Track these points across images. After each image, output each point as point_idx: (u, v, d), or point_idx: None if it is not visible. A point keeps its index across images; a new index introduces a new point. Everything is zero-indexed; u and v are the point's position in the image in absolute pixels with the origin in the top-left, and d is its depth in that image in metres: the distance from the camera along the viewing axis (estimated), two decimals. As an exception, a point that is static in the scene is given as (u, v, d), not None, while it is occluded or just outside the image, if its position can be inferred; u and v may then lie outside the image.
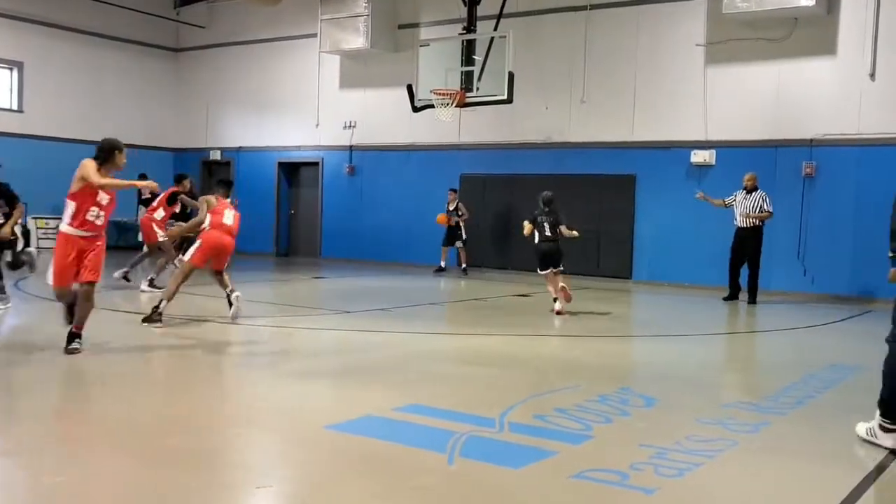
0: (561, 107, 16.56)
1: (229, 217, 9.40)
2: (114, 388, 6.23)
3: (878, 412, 5.14)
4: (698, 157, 15.06)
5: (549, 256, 10.94)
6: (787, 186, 14.37)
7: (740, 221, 13.16)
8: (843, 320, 11.53)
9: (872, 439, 5.09)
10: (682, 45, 15.33)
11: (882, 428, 5.05)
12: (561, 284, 10.87)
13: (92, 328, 7.56)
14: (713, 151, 15.01)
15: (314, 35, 19.08)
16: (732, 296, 13.31)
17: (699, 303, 13.26)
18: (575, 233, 11.10)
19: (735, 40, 14.67)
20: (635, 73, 15.82)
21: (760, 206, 13.08)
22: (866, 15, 13.70)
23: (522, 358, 7.99)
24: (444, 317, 11.48)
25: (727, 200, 13.36)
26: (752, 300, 13.08)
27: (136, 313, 9.59)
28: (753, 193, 13.18)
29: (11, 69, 19.45)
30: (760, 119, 14.61)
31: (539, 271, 11.15)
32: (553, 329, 10.02)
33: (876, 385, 7.10)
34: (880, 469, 4.63)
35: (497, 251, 17.29)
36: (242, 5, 20.17)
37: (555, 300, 10.98)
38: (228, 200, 9.64)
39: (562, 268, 11.06)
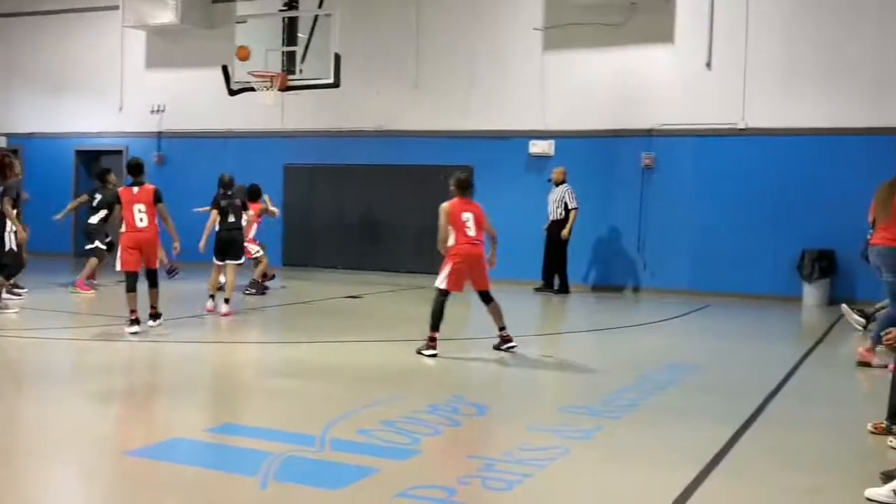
0: (393, 92, 16.69)
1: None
2: None
3: None
4: (537, 147, 15.57)
5: (229, 246, 11.11)
6: (627, 178, 15.10)
7: (549, 214, 14.39)
8: (681, 316, 12.25)
9: None
10: (519, 30, 15.78)
11: None
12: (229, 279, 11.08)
13: None
14: (552, 142, 15.54)
15: (116, 7, 18.33)
16: (545, 287, 14.54)
17: (537, 300, 13.73)
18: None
19: (573, 25, 15.24)
20: (471, 58, 16.16)
21: (564, 202, 14.21)
22: (702, 4, 14.56)
23: (349, 367, 8.03)
24: (264, 324, 11.35)
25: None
26: (561, 289, 14.43)
27: None
28: (559, 188, 14.31)
29: None
30: (599, 108, 15.26)
31: (215, 261, 11.23)
32: (384, 334, 10.11)
33: (711, 384, 7.63)
34: (707, 471, 4.96)
35: (325, 249, 17.24)
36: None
37: (212, 297, 11.07)
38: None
39: (241, 261, 11.41)
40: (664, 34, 14.85)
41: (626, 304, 13.76)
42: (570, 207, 14.28)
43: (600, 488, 4.75)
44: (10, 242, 10.47)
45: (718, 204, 14.56)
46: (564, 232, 14.26)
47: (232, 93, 14.57)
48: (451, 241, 8.80)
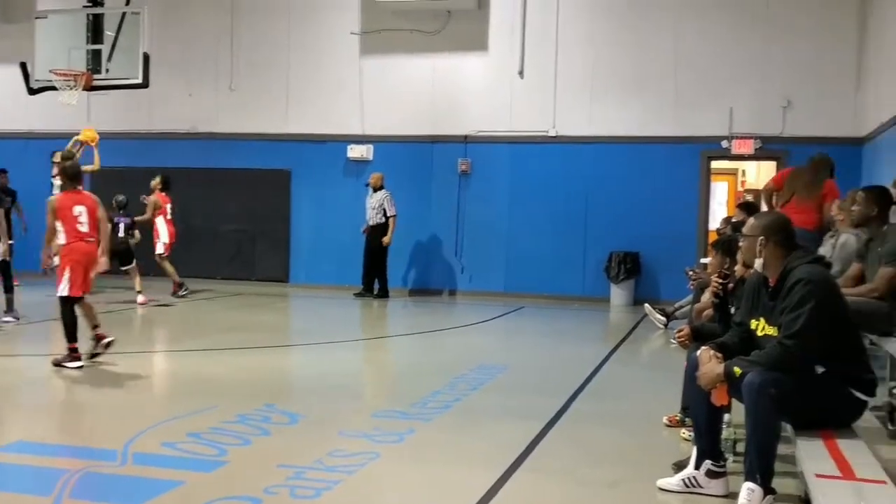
0: (207, 94, 16.31)
1: None
2: None
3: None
4: (355, 151, 15.60)
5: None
6: (444, 183, 15.38)
7: (367, 220, 14.46)
8: (495, 318, 12.58)
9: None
10: (337, 33, 15.77)
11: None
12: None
13: None
14: (370, 146, 15.62)
15: None
16: (365, 292, 14.50)
17: (355, 306, 13.76)
18: None
19: (390, 30, 15.37)
20: (289, 61, 16.01)
21: (383, 208, 14.33)
22: (514, 13, 15.02)
23: (158, 378, 7.81)
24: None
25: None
26: (381, 294, 14.44)
27: None
28: (378, 193, 14.40)
29: None
30: (417, 114, 15.46)
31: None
32: (197, 343, 9.86)
33: (521, 383, 7.87)
34: (513, 469, 5.12)
35: (136, 254, 16.57)
36: None
37: None
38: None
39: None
40: (478, 42, 15.22)
41: (444, 308, 14.00)
42: (388, 214, 14.36)
43: (408, 490, 4.82)
44: None
45: (532, 208, 15.05)
46: (385, 239, 14.32)
47: (32, 92, 13.81)
48: (61, 239, 8.00)
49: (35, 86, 13.75)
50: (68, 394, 7.14)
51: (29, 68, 13.69)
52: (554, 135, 14.92)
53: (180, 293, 13.71)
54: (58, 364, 7.82)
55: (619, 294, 14.41)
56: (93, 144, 13.85)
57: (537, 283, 15.01)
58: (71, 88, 13.35)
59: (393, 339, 11.19)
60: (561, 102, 14.91)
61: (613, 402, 7.18)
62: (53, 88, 13.58)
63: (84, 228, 8.00)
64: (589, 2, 14.88)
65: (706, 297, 9.04)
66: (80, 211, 8.01)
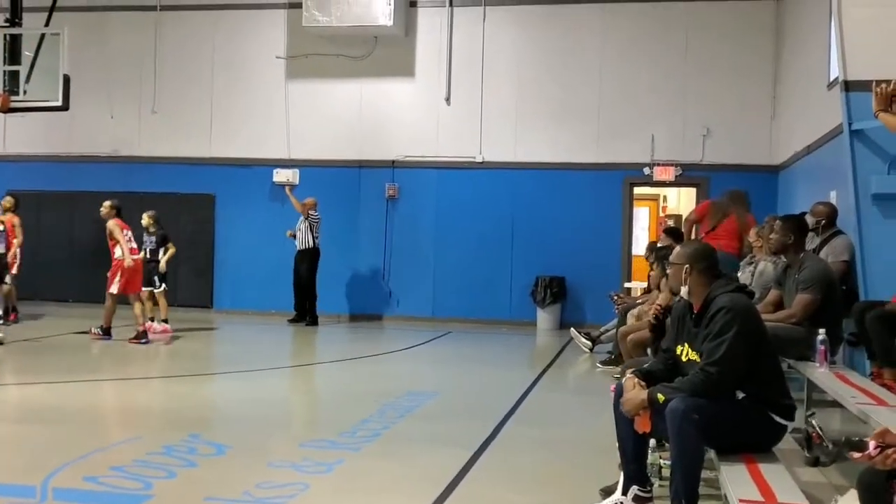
0: (129, 116, 16.07)
1: None
2: None
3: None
4: (281, 176, 15.51)
5: None
6: (372, 208, 15.39)
7: (298, 243, 14.34)
8: (423, 343, 12.59)
9: None
10: (263, 57, 15.71)
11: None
12: None
13: None
14: (297, 171, 15.55)
15: None
16: (298, 318, 14.40)
17: (279, 332, 13.64)
18: None
19: (316, 55, 15.37)
20: (214, 83, 15.88)
21: (310, 231, 14.28)
22: (441, 39, 15.18)
23: (77, 409, 7.60)
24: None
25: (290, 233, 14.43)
26: (311, 321, 14.31)
27: None
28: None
29: None
30: (344, 138, 15.47)
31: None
32: (115, 372, 9.66)
33: (449, 410, 7.90)
34: (443, 497, 5.13)
35: (56, 280, 16.19)
36: None
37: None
38: None
39: None
40: (405, 68, 15.32)
41: (373, 334, 13.95)
42: (313, 235, 14.29)
43: (339, 522, 4.79)
44: None
45: (459, 233, 15.16)
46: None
47: (-56, 113, 13.43)
48: None
49: (-52, 107, 13.37)
50: (-16, 427, 6.93)
51: (-58, 89, 13.31)
52: (480, 161, 15.07)
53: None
54: None
55: (545, 318, 14.56)
56: None
57: (465, 307, 15.10)
58: (-13, 110, 13.02)
59: (321, 365, 11.11)
60: (487, 129, 15.08)
61: (541, 427, 7.25)
62: (-32, 110, 13.23)
63: None
64: (514, 30, 15.12)
65: (631, 321, 9.26)
66: None
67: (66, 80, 12.91)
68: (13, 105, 13.13)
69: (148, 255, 12.66)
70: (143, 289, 12.26)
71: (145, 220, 12.83)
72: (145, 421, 7.11)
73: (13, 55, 13.22)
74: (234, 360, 11.24)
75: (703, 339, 4.52)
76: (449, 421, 7.43)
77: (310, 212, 14.26)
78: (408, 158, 15.26)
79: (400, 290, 15.44)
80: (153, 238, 12.81)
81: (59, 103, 12.97)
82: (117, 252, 11.51)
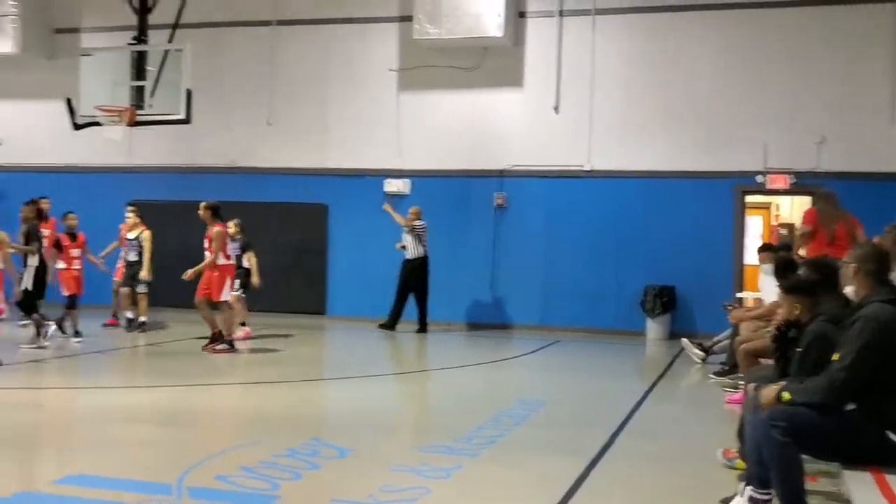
0: (246, 128, 16.58)
1: None
2: None
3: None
4: (392, 186, 15.76)
5: None
6: (480, 217, 15.50)
7: (407, 253, 14.31)
8: (532, 352, 12.61)
9: None
10: (375, 69, 16.01)
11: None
12: None
13: None
14: (408, 181, 15.78)
15: (-53, 34, 17.52)
16: (389, 325, 14.46)
17: (390, 338, 13.83)
18: None
19: (427, 67, 15.58)
20: (327, 96, 16.25)
21: (418, 240, 14.30)
22: (550, 48, 15.20)
23: (205, 412, 7.92)
24: (111, 368, 11.01)
25: (400, 245, 14.50)
26: (422, 328, 14.38)
27: None
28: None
29: None
30: (453, 148, 15.62)
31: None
32: (238, 377, 9.99)
33: (562, 419, 7.91)
34: (562, 505, 5.18)
35: (178, 287, 16.74)
36: None
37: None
38: None
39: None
40: (514, 79, 15.40)
41: (482, 342, 14.03)
42: (421, 243, 14.42)
43: (460, 527, 4.88)
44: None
45: (566, 242, 15.13)
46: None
47: (77, 127, 14.08)
48: None
49: (80, 121, 14.02)
50: (119, 427, 7.25)
51: (74, 104, 13.99)
52: (589, 169, 15.02)
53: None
54: None
55: (654, 328, 14.40)
56: None
57: (573, 316, 15.05)
58: (115, 124, 13.63)
59: (432, 372, 11.24)
60: (596, 137, 15.02)
61: (655, 438, 7.20)
62: (98, 124, 13.85)
63: None
64: (623, 38, 15.04)
65: (746, 331, 9.09)
66: None
67: (189, 94, 13.41)
68: (139, 119, 13.73)
69: (233, 262, 12.81)
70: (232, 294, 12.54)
71: (231, 227, 12.97)
72: (267, 424, 7.34)
73: (139, 71, 13.81)
74: (348, 366, 11.49)
75: (843, 342, 4.49)
76: (562, 430, 7.44)
77: (414, 223, 14.38)
78: (516, 168, 15.32)
79: (508, 298, 15.49)
80: (236, 245, 13.01)
81: (182, 117, 13.47)
82: (221, 259, 11.61)
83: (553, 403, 8.67)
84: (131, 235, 13.45)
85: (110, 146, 15.44)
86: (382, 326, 14.46)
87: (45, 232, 12.79)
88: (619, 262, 14.94)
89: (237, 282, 12.71)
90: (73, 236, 12.83)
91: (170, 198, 16.78)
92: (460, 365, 11.41)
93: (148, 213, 15.85)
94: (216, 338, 11.50)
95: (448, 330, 15.07)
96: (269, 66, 16.46)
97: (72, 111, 13.97)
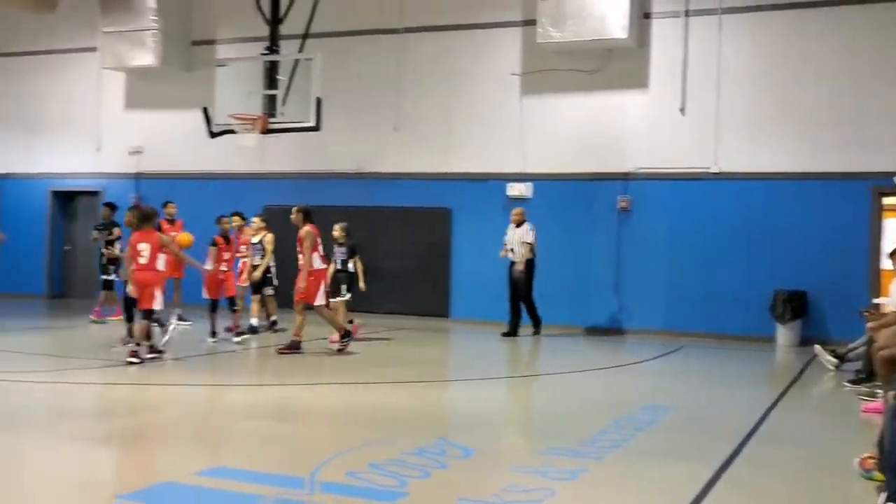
0: (373, 134, 16.94)
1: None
2: None
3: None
4: (515, 189, 15.82)
5: None
6: (604, 220, 15.39)
7: (513, 256, 14.09)
8: (656, 357, 12.44)
9: None
10: (498, 74, 16.11)
11: None
12: None
13: None
14: (530, 184, 15.82)
15: (94, 49, 18.52)
16: (512, 332, 14.17)
17: (512, 342, 13.84)
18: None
19: (550, 70, 15.59)
20: (451, 102, 16.45)
21: (522, 239, 13.98)
22: (676, 51, 14.97)
23: (332, 409, 8.14)
24: (245, 366, 11.43)
25: (504, 249, 14.22)
26: (537, 331, 14.20)
27: None
28: (520, 228, 14.08)
29: None
30: (577, 151, 15.57)
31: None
32: (363, 376, 10.21)
33: (687, 425, 7.80)
34: (690, 511, 5.13)
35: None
36: (10, 12, 19.23)
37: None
38: None
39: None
40: (639, 80, 15.24)
41: (604, 346, 13.92)
42: (526, 241, 14.09)
43: (586, 529, 4.89)
44: None
45: (693, 246, 14.86)
46: (519, 267, 14.06)
47: (213, 135, 14.68)
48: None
49: (215, 130, 14.62)
50: (252, 423, 7.55)
51: (210, 113, 14.58)
52: (716, 171, 14.73)
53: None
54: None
55: (784, 334, 13.98)
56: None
57: (698, 321, 14.77)
58: (248, 132, 14.14)
59: (553, 376, 11.22)
60: (723, 138, 14.72)
61: (786, 448, 7.01)
62: (232, 132, 14.41)
63: (142, 261, 10.10)
64: (750, 38, 14.69)
65: (883, 338, 8.75)
66: (143, 247, 10.12)
67: (318, 101, 13.81)
68: (271, 126, 14.21)
69: (339, 266, 12.90)
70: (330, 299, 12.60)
71: (336, 231, 13.05)
72: (393, 423, 7.49)
73: (271, 80, 14.29)
74: (470, 368, 11.63)
75: None
76: (688, 436, 7.34)
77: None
78: (641, 170, 15.15)
79: (631, 302, 15.32)
80: (343, 249, 12.99)
81: (312, 124, 13.88)
82: (316, 261, 11.63)
83: (678, 409, 8.55)
84: (255, 239, 13.76)
85: (243, 153, 16.03)
86: (506, 335, 14.29)
87: (173, 234, 13.39)
88: (748, 266, 14.58)
89: (343, 287, 12.78)
90: (226, 239, 12.94)
91: (298, 202, 17.24)
92: (581, 369, 11.37)
93: (279, 217, 16.38)
94: (347, 334, 11.73)
95: (570, 334, 14.99)
96: (396, 72, 16.76)
97: (208, 120, 14.56)
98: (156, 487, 5.37)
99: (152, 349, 10.44)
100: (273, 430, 7.22)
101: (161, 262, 10.33)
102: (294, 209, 11.89)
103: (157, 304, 10.29)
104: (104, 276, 14.49)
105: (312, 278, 11.46)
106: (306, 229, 11.52)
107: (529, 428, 7.97)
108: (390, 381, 9.80)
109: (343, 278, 12.81)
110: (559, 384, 10.50)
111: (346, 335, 11.67)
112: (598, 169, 15.43)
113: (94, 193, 19.27)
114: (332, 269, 12.72)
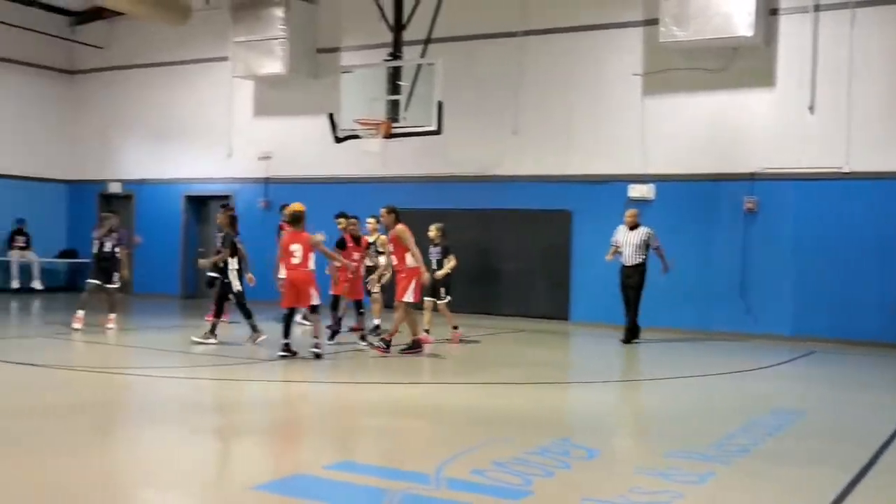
0: (493, 138, 16.98)
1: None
2: (16, 449, 6.16)
3: None
4: (636, 191, 15.60)
5: None
6: (728, 222, 15.02)
7: (625, 259, 13.48)
8: (785, 362, 12.06)
9: None
10: (619, 75, 15.93)
11: None
12: None
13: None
14: (652, 186, 15.57)
15: (225, 58, 19.17)
16: (631, 336, 13.61)
17: (633, 345, 13.59)
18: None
19: (673, 70, 15.32)
20: (571, 104, 16.35)
21: (643, 243, 13.33)
22: (804, 48, 14.49)
23: (454, 408, 8.19)
24: (369, 366, 11.59)
25: (612, 250, 13.64)
26: (630, 339, 13.45)
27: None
28: (636, 231, 13.47)
29: None
30: (700, 152, 15.25)
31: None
32: (484, 376, 10.25)
33: (820, 431, 7.53)
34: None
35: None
36: (145, 24, 20.13)
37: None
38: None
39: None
40: (765, 78, 14.82)
41: (729, 350, 13.55)
42: (655, 246, 13.60)
43: (715, 533, 4.78)
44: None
45: (822, 248, 14.35)
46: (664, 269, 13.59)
47: (338, 140, 15.03)
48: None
49: (340, 135, 14.97)
50: (376, 419, 7.67)
51: (335, 119, 14.93)
52: (848, 171, 14.17)
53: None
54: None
55: (922, 340, 13.36)
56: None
57: (828, 326, 14.25)
58: (372, 137, 14.42)
59: (676, 380, 10.98)
60: (855, 137, 14.16)
61: (928, 456, 6.70)
62: (356, 137, 14.73)
63: (296, 261, 10.48)
64: (885, 32, 14.07)
65: None
66: (295, 248, 10.52)
67: (440, 106, 13.97)
68: (394, 131, 14.45)
69: (435, 266, 12.86)
70: (426, 299, 12.68)
71: (433, 231, 12.99)
72: (513, 422, 7.49)
73: (394, 86, 14.54)
74: (589, 370, 11.58)
75: None
76: (821, 442, 7.09)
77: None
78: (768, 170, 14.72)
79: (757, 306, 14.90)
80: (438, 249, 12.95)
81: (434, 128, 14.06)
82: (409, 260, 11.48)
83: (811, 414, 8.27)
84: (371, 240, 13.86)
85: (367, 157, 16.32)
86: (626, 341, 13.93)
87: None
88: (881, 269, 13.99)
89: (443, 289, 12.81)
90: (356, 239, 12.89)
91: (422, 206, 17.43)
92: (705, 373, 11.11)
93: (403, 220, 16.58)
94: (417, 344, 11.53)
95: (693, 338, 14.66)
96: (516, 75, 16.77)
97: (333, 125, 14.93)
98: (288, 479, 5.52)
99: (286, 347, 10.69)
100: (396, 427, 7.32)
101: (312, 262, 10.74)
102: (384, 210, 11.81)
103: (316, 300, 10.79)
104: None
105: (404, 276, 11.47)
106: (400, 227, 11.47)
107: (653, 430, 7.83)
108: (508, 382, 9.80)
109: (442, 280, 12.86)
110: (682, 387, 10.27)
111: (416, 344, 11.49)
112: (722, 169, 15.07)
113: (225, 197, 19.93)
114: (449, 266, 12.90)
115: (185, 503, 5.14)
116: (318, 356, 10.59)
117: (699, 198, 15.25)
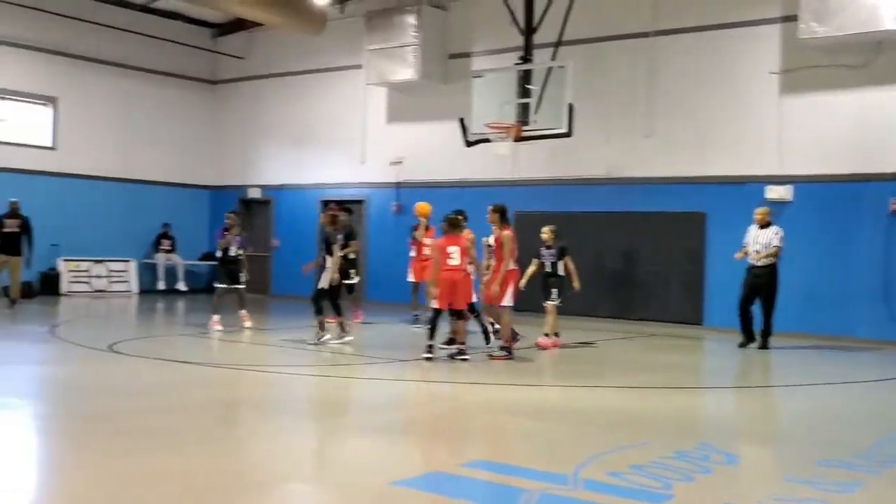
0: (624, 139, 16.76)
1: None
2: (157, 442, 6.44)
3: None
4: (774, 192, 15.08)
5: None
6: (871, 224, 14.37)
7: (753, 259, 13.01)
8: (937, 371, 11.46)
9: None
10: (755, 73, 15.47)
11: None
12: None
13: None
14: (790, 187, 15.04)
15: (359, 66, 19.57)
16: (748, 340, 13.14)
17: (771, 350, 13.14)
18: None
19: (812, 67, 14.78)
20: (704, 104, 15.98)
21: (770, 243, 12.88)
22: (956, 39, 13.76)
23: (586, 411, 8.14)
24: (499, 366, 11.61)
25: (743, 251, 13.20)
26: (765, 345, 12.98)
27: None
28: (766, 229, 13.01)
29: (46, 105, 20.17)
30: (841, 152, 14.65)
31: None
32: (615, 380, 10.12)
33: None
34: None
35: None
36: (282, 35, 20.76)
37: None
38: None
39: None
40: (912, 73, 14.15)
41: (869, 357, 12.95)
42: (774, 245, 13.03)
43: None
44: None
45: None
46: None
47: (469, 144, 15.13)
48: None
49: (471, 139, 15.06)
50: (508, 419, 7.69)
51: (466, 123, 15.04)
52: None
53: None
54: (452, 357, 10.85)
55: None
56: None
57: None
58: (503, 140, 14.45)
59: (813, 386, 10.56)
60: None
61: None
62: (487, 140, 14.79)
63: (453, 262, 10.66)
64: None
65: None
66: (452, 250, 10.71)
67: (571, 108, 13.88)
68: (524, 134, 14.45)
69: (549, 269, 12.52)
70: (548, 303, 12.41)
71: (546, 233, 12.62)
72: (650, 426, 7.37)
73: (524, 89, 14.54)
74: (722, 375, 11.33)
75: None
76: (979, 454, 6.71)
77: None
78: (914, 171, 14.05)
79: (904, 311, 14.23)
80: (552, 251, 12.56)
81: (564, 130, 13.98)
82: (509, 264, 11.29)
83: (965, 425, 7.84)
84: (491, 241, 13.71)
85: (497, 161, 16.38)
86: (761, 347, 13.28)
87: (428, 241, 13.89)
88: None
89: (554, 291, 12.44)
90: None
91: (551, 209, 17.37)
92: (846, 381, 10.67)
93: (530, 222, 16.59)
94: (509, 349, 11.28)
95: (833, 345, 14.04)
96: (648, 76, 16.51)
97: (464, 130, 15.04)
98: (427, 476, 5.60)
99: (430, 349, 10.69)
100: (529, 428, 7.31)
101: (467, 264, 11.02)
102: (490, 208, 11.68)
103: (473, 298, 11.30)
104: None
105: (502, 278, 11.25)
106: (508, 234, 11.36)
107: (795, 437, 7.55)
108: (640, 386, 9.63)
109: (553, 282, 12.53)
110: (821, 394, 9.89)
111: (507, 349, 11.25)
112: (864, 170, 14.44)
113: (359, 202, 20.36)
114: (570, 266, 12.57)
115: (326, 497, 5.28)
116: (464, 359, 10.69)
117: (840, 199, 14.64)
